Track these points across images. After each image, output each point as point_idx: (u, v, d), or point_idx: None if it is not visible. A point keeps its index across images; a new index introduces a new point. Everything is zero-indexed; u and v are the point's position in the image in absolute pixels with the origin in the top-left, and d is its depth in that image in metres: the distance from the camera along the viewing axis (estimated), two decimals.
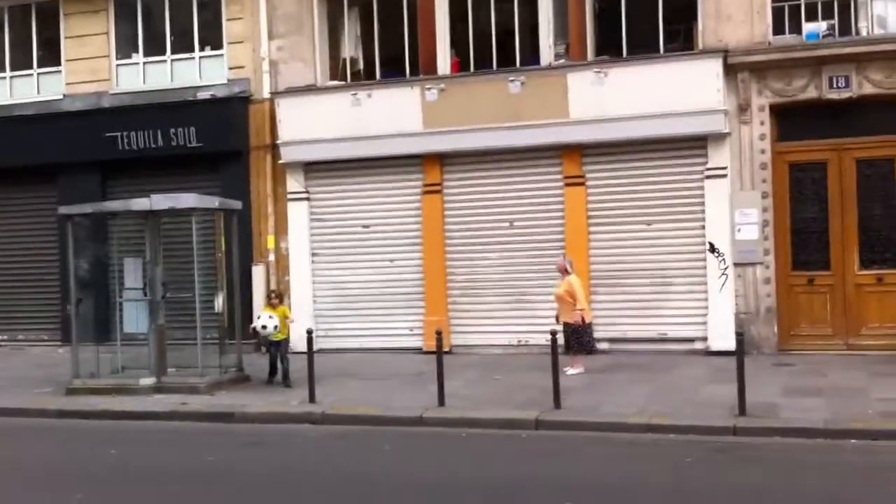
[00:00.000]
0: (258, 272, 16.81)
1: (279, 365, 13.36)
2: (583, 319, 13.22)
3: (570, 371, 12.97)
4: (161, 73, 17.86)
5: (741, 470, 8.57)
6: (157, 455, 9.97)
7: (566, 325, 13.22)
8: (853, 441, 9.38)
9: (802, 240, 14.71)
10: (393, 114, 15.89)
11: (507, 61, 15.87)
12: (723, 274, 14.61)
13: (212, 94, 17.25)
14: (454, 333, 15.83)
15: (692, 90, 14.46)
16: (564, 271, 13.56)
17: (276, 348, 13.42)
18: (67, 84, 18.24)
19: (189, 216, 13.41)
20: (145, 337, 13.66)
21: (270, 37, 17.04)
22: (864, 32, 14.46)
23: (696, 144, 14.86)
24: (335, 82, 16.91)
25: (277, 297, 14.06)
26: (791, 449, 9.21)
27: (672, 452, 9.22)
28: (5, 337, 18.80)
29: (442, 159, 16.10)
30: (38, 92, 18.63)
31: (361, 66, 17.11)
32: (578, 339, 13.23)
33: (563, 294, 13.37)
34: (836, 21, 14.54)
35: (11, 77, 18.89)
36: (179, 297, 13.64)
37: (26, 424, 11.84)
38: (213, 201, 13.91)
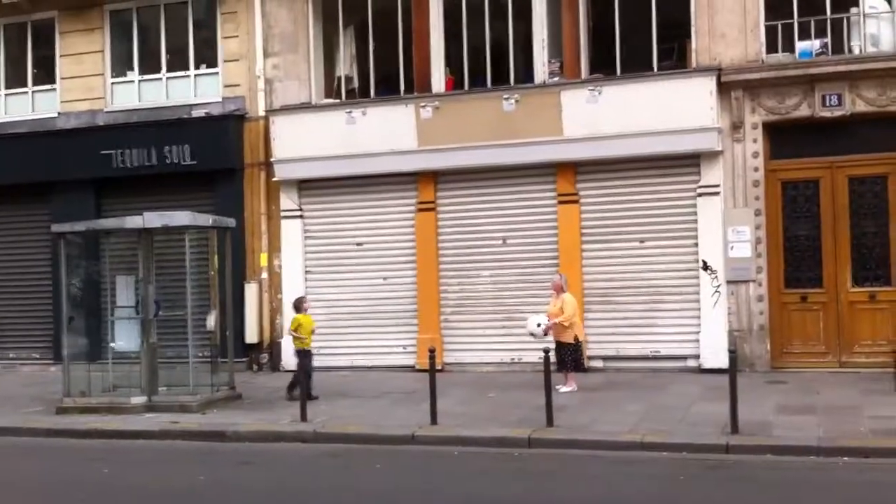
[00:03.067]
0: (251, 290, 16.78)
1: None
2: (576, 337, 13.22)
3: (563, 389, 12.95)
4: (156, 90, 17.89)
5: (733, 487, 8.54)
6: (149, 474, 9.90)
7: (559, 343, 13.20)
8: (845, 458, 9.34)
9: (795, 257, 14.71)
10: (387, 132, 15.91)
11: (501, 79, 15.92)
12: (716, 291, 14.59)
13: (206, 112, 17.27)
14: (447, 351, 15.80)
15: (686, 108, 14.50)
16: (560, 290, 13.54)
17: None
18: (62, 102, 18.27)
19: (182, 234, 13.42)
20: (137, 355, 13.60)
21: (266, 55, 17.09)
22: (856, 51, 14.52)
23: (690, 162, 14.90)
24: (330, 100, 16.95)
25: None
26: (784, 467, 9.17)
27: (665, 470, 9.18)
28: None
29: (436, 177, 16.12)
30: (33, 109, 18.66)
31: (356, 84, 17.14)
32: (573, 357, 13.23)
33: (557, 312, 13.33)
34: (829, 39, 14.59)
35: (6, 95, 18.93)
36: (172, 316, 13.61)
37: (17, 443, 11.77)
38: (207, 219, 13.90)
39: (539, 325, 13.21)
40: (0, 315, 18.71)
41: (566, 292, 13.51)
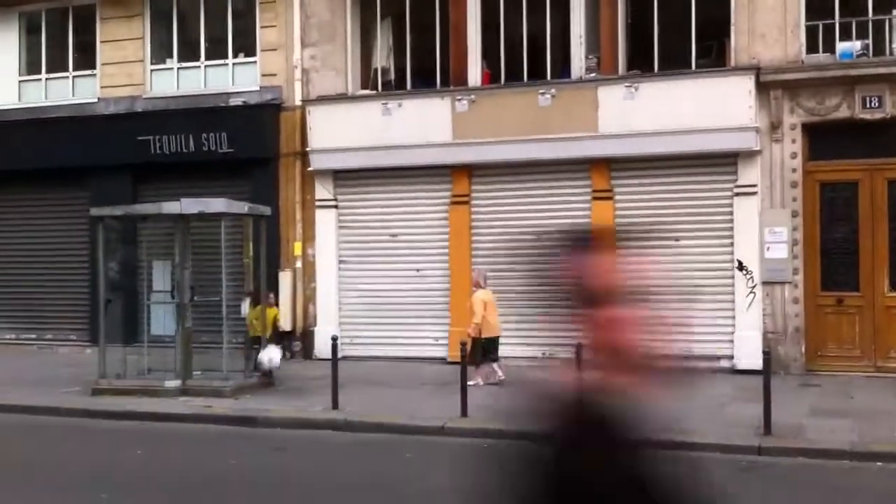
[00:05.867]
0: (285, 278, 16.88)
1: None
2: (479, 332, 13.33)
3: (471, 382, 13.19)
4: (194, 78, 18.04)
5: (765, 489, 8.51)
6: (182, 457, 10.04)
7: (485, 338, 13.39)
8: (879, 464, 9.29)
9: (832, 260, 14.58)
10: (423, 124, 15.94)
11: (537, 74, 15.89)
12: (751, 292, 14.51)
13: (244, 101, 17.38)
14: None
15: (723, 107, 14.40)
16: (477, 286, 13.64)
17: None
18: (102, 87, 18.46)
19: (218, 221, 13.52)
20: (172, 339, 13.77)
21: (303, 45, 17.17)
22: None
23: (727, 161, 14.80)
24: (366, 91, 16.99)
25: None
26: (816, 470, 9.13)
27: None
28: (35, 336, 18.99)
29: (470, 170, 16.13)
30: (73, 94, 18.87)
31: (392, 75, 17.19)
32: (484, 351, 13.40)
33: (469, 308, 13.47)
34: (870, 41, 14.44)
35: (47, 79, 19.16)
36: (207, 301, 13.74)
37: (53, 423, 11.94)
38: (243, 206, 14.01)
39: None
40: (39, 297, 18.97)
41: (483, 288, 13.52)
